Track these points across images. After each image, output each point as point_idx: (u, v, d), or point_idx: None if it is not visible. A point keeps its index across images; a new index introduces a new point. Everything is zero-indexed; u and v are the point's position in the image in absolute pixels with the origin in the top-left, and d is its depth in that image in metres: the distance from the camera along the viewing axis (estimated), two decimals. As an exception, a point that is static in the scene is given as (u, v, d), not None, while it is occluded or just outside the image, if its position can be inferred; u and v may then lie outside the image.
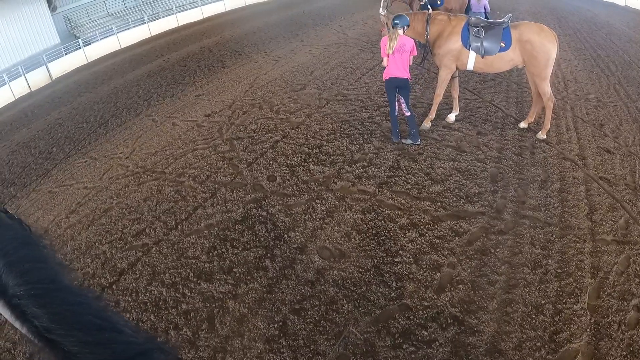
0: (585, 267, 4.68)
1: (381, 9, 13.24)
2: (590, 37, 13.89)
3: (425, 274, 4.64)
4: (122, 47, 22.49)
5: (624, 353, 3.79)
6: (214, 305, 4.57)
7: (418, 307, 4.28)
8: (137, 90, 13.20)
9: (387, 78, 6.82)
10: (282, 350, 4.01)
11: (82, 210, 6.87)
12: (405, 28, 6.59)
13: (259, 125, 8.75)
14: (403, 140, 7.20)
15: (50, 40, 23.30)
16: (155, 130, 9.67)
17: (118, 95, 13.24)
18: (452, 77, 7.36)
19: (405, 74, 6.70)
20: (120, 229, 6.12)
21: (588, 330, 4.00)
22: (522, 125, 7.52)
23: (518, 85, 9.53)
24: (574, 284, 4.46)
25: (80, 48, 21.34)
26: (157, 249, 5.57)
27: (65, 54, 20.90)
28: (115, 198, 6.97)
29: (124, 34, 23.23)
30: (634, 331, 3.98)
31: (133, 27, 23.99)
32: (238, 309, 4.48)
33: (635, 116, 8.02)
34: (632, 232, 5.19)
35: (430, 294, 4.40)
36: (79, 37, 22.45)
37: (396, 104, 6.95)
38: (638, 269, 4.65)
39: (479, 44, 6.71)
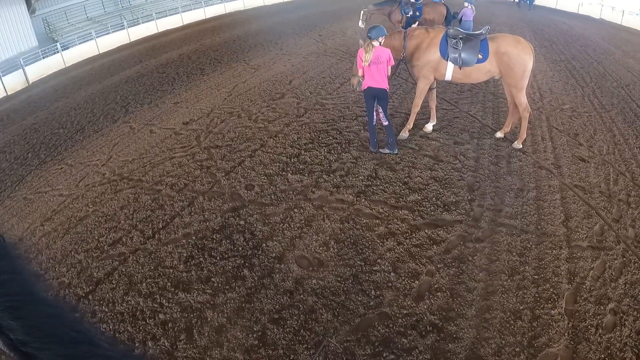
0: (562, 272, 4.74)
1: (360, 22, 13.40)
2: (565, 49, 14.28)
3: (403, 282, 4.62)
4: (101, 52, 22.12)
5: (602, 356, 3.85)
6: (192, 315, 4.46)
7: (397, 315, 4.24)
8: (115, 97, 12.97)
9: (365, 88, 6.84)
10: None
11: (57, 218, 6.68)
12: (380, 39, 6.61)
13: (237, 133, 8.67)
14: (381, 150, 7.22)
15: (28, 43, 22.86)
16: (132, 137, 9.50)
17: (95, 101, 13.00)
18: (430, 88, 7.42)
19: (383, 85, 6.70)
20: (96, 238, 5.96)
21: (566, 334, 4.04)
22: (499, 135, 7.63)
23: (494, 96, 9.70)
24: (551, 290, 4.51)
25: (58, 52, 20.91)
26: (134, 258, 5.44)
27: (43, 58, 20.45)
28: (91, 206, 6.80)
29: (102, 39, 22.84)
30: (611, 334, 4.04)
31: (112, 32, 23.69)
32: (217, 319, 4.38)
33: (609, 125, 8.22)
34: (607, 238, 5.29)
35: (409, 302, 4.38)
36: (57, 41, 22.03)
37: (374, 113, 6.97)
38: (614, 273, 4.74)
39: (456, 55, 6.80)
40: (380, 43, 6.62)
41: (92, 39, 22.39)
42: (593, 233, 5.37)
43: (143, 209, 6.47)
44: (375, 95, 6.82)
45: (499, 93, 9.73)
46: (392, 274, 4.74)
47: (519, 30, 16.68)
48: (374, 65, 6.60)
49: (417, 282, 4.62)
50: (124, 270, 5.23)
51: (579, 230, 5.40)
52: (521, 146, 7.23)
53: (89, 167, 8.33)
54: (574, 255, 4.99)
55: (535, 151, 7.22)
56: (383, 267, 4.84)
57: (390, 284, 4.60)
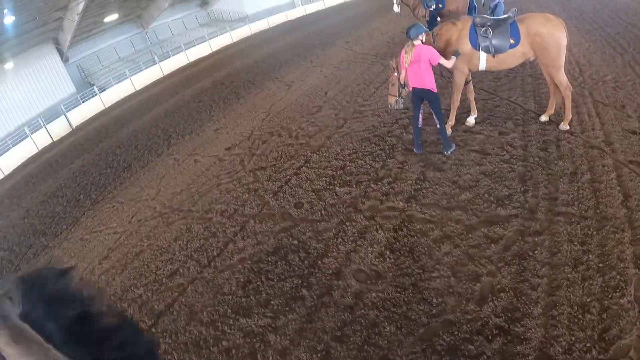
0: (627, 257, 4.55)
1: (395, 5, 13.33)
2: (596, 17, 13.58)
3: (465, 286, 4.59)
4: (137, 89, 23.03)
5: (678, 341, 3.68)
6: (254, 340, 4.57)
7: (461, 321, 4.23)
8: (156, 131, 13.47)
9: (412, 88, 6.79)
10: None
11: (114, 255, 7.01)
12: (421, 37, 6.51)
13: (280, 152, 8.85)
14: (445, 153, 7.08)
15: (66, 90, 24.19)
16: (178, 168, 9.85)
17: (138, 137, 13.54)
18: (466, 81, 7.32)
19: (427, 84, 6.59)
20: (154, 271, 6.24)
21: (638, 323, 3.88)
22: (543, 118, 7.41)
23: (533, 78, 9.40)
24: (618, 277, 4.34)
25: (96, 95, 21.97)
26: (193, 287, 5.65)
27: (83, 102, 21.52)
28: (145, 240, 7.11)
29: (136, 77, 23.81)
30: (686, 318, 3.87)
31: (145, 68, 24.59)
32: (279, 341, 4.47)
33: (656, 91, 7.80)
34: (671, 215, 5.05)
35: (472, 307, 4.35)
36: (93, 85, 23.16)
37: (420, 116, 6.94)
38: (682, 251, 4.52)
39: (488, 44, 6.68)
40: (422, 41, 6.56)
41: (127, 77, 23.35)
42: (656, 210, 5.15)
43: (196, 239, 6.70)
44: (422, 97, 6.76)
45: (537, 74, 9.42)
46: (452, 278, 4.72)
47: (546, 5, 16.03)
48: (415, 65, 6.54)
49: (478, 284, 4.59)
50: (183, 300, 5.44)
51: (641, 208, 5.19)
52: (568, 127, 6.99)
53: (139, 202, 8.72)
54: (638, 237, 4.78)
55: (584, 130, 6.96)
56: (442, 272, 4.83)
57: (451, 290, 4.59)
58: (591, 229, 5.00)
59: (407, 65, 6.61)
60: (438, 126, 6.94)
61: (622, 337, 3.81)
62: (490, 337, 4.02)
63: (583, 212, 5.28)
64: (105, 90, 22.85)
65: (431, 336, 4.15)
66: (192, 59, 26.20)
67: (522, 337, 3.97)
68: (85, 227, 8.56)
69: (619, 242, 4.76)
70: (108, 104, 21.89)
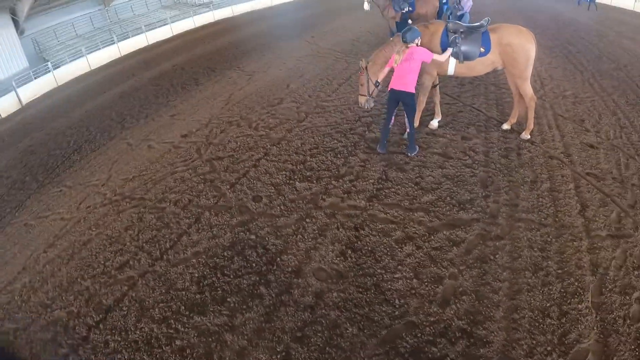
0: (585, 265, 4.66)
1: (365, 3, 13.28)
2: (559, 35, 14.17)
3: (427, 288, 4.52)
4: (93, 68, 21.96)
5: (632, 347, 3.79)
6: (210, 339, 4.29)
7: (424, 323, 4.15)
8: (110, 113, 12.74)
9: (390, 89, 6.69)
10: None
11: (60, 243, 6.46)
12: (417, 41, 6.45)
13: (238, 143, 8.52)
14: (409, 154, 7.03)
15: (19, 64, 22.69)
16: (131, 154, 9.31)
17: (91, 118, 12.76)
18: (433, 85, 7.31)
19: (409, 87, 6.49)
20: (102, 262, 5.75)
21: (595, 328, 3.97)
22: (505, 126, 7.53)
23: (496, 87, 9.59)
24: (576, 284, 4.43)
25: (50, 71, 20.74)
26: (144, 281, 5.24)
27: (35, 78, 20.27)
28: (94, 229, 6.59)
29: (93, 55, 22.64)
30: (639, 324, 3.98)
31: (102, 47, 23.51)
32: (237, 341, 4.24)
33: (612, 109, 8.13)
34: (625, 226, 5.22)
35: (435, 309, 4.28)
36: (48, 60, 21.87)
37: (392, 118, 6.88)
38: (635, 261, 4.67)
39: (458, 50, 6.68)
40: (417, 45, 6.49)
41: (83, 55, 22.22)
42: (610, 221, 5.29)
43: (148, 229, 6.29)
44: (398, 100, 6.66)
45: (500, 84, 9.63)
46: (415, 280, 4.63)
47: (512, 19, 16.53)
48: (405, 63, 6.42)
49: (440, 287, 4.52)
50: (134, 295, 5.05)
51: (597, 219, 5.32)
52: (529, 136, 7.14)
53: (88, 187, 8.15)
54: (595, 245, 4.92)
55: (544, 140, 7.12)
56: (404, 273, 4.74)
57: (413, 291, 4.50)
58: (550, 236, 5.09)
59: (396, 65, 6.49)
60: (407, 130, 6.89)
61: (580, 341, 3.87)
62: (453, 340, 3.95)
63: (542, 219, 5.38)
64: (59, 67, 21.56)
65: (394, 338, 4.04)
66: (152, 42, 25.18)
67: (484, 340, 3.94)
68: (31, 211, 7.88)
69: (577, 250, 4.87)
70: (61, 82, 20.61)
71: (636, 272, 4.52)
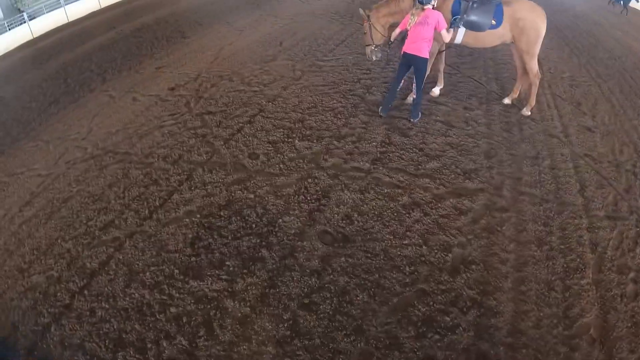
0: (585, 242, 4.75)
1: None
2: (557, 20, 13.96)
3: (437, 256, 4.50)
4: (70, 20, 20.82)
5: (629, 324, 3.92)
6: (209, 306, 4.08)
7: (435, 291, 4.13)
8: (89, 65, 12.03)
9: (403, 52, 6.47)
10: (298, 353, 3.66)
11: (37, 201, 6.02)
12: (433, 2, 6.21)
13: (231, 98, 8.17)
14: (412, 120, 6.88)
15: (-7, 15, 21.28)
16: (113, 106, 8.81)
17: (68, 70, 12.02)
18: (440, 51, 7.14)
19: (422, 52, 6.29)
20: (84, 222, 5.39)
21: (596, 304, 4.07)
22: (507, 101, 7.48)
23: (494, 62, 9.47)
24: (578, 260, 4.51)
25: (25, 22, 19.60)
26: (131, 243, 4.93)
27: (9, 29, 19.13)
28: (74, 185, 6.19)
29: (71, 6, 21.48)
30: (634, 303, 4.11)
31: (82, -2, 22.26)
32: (239, 308, 4.04)
33: (607, 96, 8.19)
34: (621, 208, 5.32)
35: (445, 277, 4.27)
36: (23, 11, 20.58)
37: (402, 81, 6.73)
38: (630, 243, 4.78)
39: (470, 20, 6.50)
40: (433, 7, 6.25)
41: (61, 6, 21.01)
42: (608, 203, 5.38)
43: (135, 186, 5.93)
44: (410, 64, 6.47)
45: (498, 59, 9.53)
46: (424, 247, 4.60)
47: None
48: (419, 27, 6.18)
49: (450, 255, 4.51)
50: (121, 258, 4.75)
51: (595, 199, 5.41)
52: (530, 113, 7.12)
53: (67, 142, 7.64)
54: (594, 224, 5.00)
55: (543, 119, 7.12)
56: (413, 240, 4.69)
57: (423, 259, 4.47)
58: (552, 212, 5.14)
59: (409, 27, 6.25)
60: (414, 95, 6.76)
61: (583, 315, 3.95)
62: (464, 309, 3.96)
63: (544, 195, 5.42)
64: (35, 18, 20.34)
65: (406, 306, 4.01)
66: (133, -7, 23.98)
67: (494, 310, 3.97)
68: (4, 168, 7.28)
69: (578, 227, 4.95)
70: (37, 34, 19.48)
71: (631, 254, 4.64)
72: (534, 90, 6.96)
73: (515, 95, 7.44)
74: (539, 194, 5.41)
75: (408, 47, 6.36)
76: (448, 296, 4.08)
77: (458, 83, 8.20)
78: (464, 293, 4.10)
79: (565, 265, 4.44)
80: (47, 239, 5.25)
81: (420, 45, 6.26)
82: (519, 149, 6.27)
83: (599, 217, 5.11)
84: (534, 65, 6.75)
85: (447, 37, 6.39)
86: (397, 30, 6.47)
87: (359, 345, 3.71)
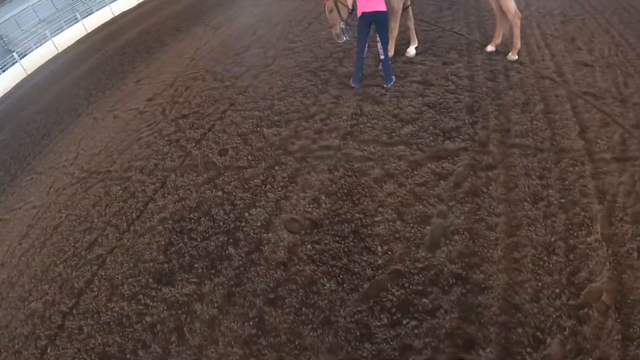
0: (590, 192, 4.08)
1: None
2: None
3: (413, 231, 3.95)
4: (60, 50, 21.05)
5: (651, 283, 3.24)
6: (179, 311, 3.95)
7: (412, 271, 3.60)
8: (77, 91, 12.29)
9: (360, 14, 5.90)
10: (264, 352, 3.39)
11: (33, 232, 6.14)
12: None
13: (203, 97, 7.95)
14: (384, 86, 6.32)
15: (-15, 61, 21.73)
16: (96, 128, 8.86)
17: (59, 100, 12.35)
18: (405, 7, 6.50)
19: (380, 6, 5.76)
20: (72, 244, 5.43)
21: (607, 263, 3.42)
22: (490, 48, 6.79)
23: (477, 10, 8.76)
24: (582, 214, 3.86)
25: (16, 62, 19.89)
26: (112, 258, 4.92)
27: (3, 72, 19.46)
28: (64, 211, 6.25)
29: (58, 37, 21.92)
30: (656, 255, 3.43)
31: (67, 27, 22.48)
32: (207, 311, 3.87)
33: (605, 27, 7.40)
34: (630, 147, 4.58)
35: (423, 253, 3.72)
36: (13, 51, 20.91)
37: (366, 47, 6.13)
38: (644, 185, 4.07)
39: None
40: None
41: (48, 39, 21.23)
42: (614, 143, 4.64)
43: (115, 202, 5.90)
44: (372, 21, 5.87)
45: (481, 6, 8.81)
46: (398, 222, 4.06)
47: None
48: None
49: (428, 227, 3.96)
50: (103, 274, 4.75)
51: (599, 141, 4.68)
52: (517, 57, 6.42)
53: (57, 170, 7.76)
54: (599, 170, 4.30)
55: (533, 61, 6.41)
56: (386, 215, 4.16)
57: (397, 235, 3.94)
58: (549, 162, 4.49)
59: None
60: (382, 57, 6.12)
61: (592, 279, 3.33)
62: (446, 288, 3.42)
63: (539, 143, 4.76)
64: (25, 55, 20.64)
65: (378, 291, 3.53)
66: (117, 13, 24.03)
67: (482, 285, 3.40)
68: (5, 206, 7.49)
69: (580, 175, 4.28)
70: (30, 70, 19.95)
71: (647, 198, 3.93)
72: (517, 31, 6.25)
73: (497, 40, 6.73)
74: (531, 143, 4.76)
75: (365, 7, 5.77)
76: (427, 275, 3.53)
77: (437, 39, 7.53)
78: (446, 269, 3.54)
79: (567, 222, 3.79)
80: (41, 265, 5.34)
81: (377, 1, 5.68)
82: (506, 97, 5.60)
83: (605, 161, 4.40)
84: (510, 4, 6.04)
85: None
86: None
87: (326, 339, 3.31)
